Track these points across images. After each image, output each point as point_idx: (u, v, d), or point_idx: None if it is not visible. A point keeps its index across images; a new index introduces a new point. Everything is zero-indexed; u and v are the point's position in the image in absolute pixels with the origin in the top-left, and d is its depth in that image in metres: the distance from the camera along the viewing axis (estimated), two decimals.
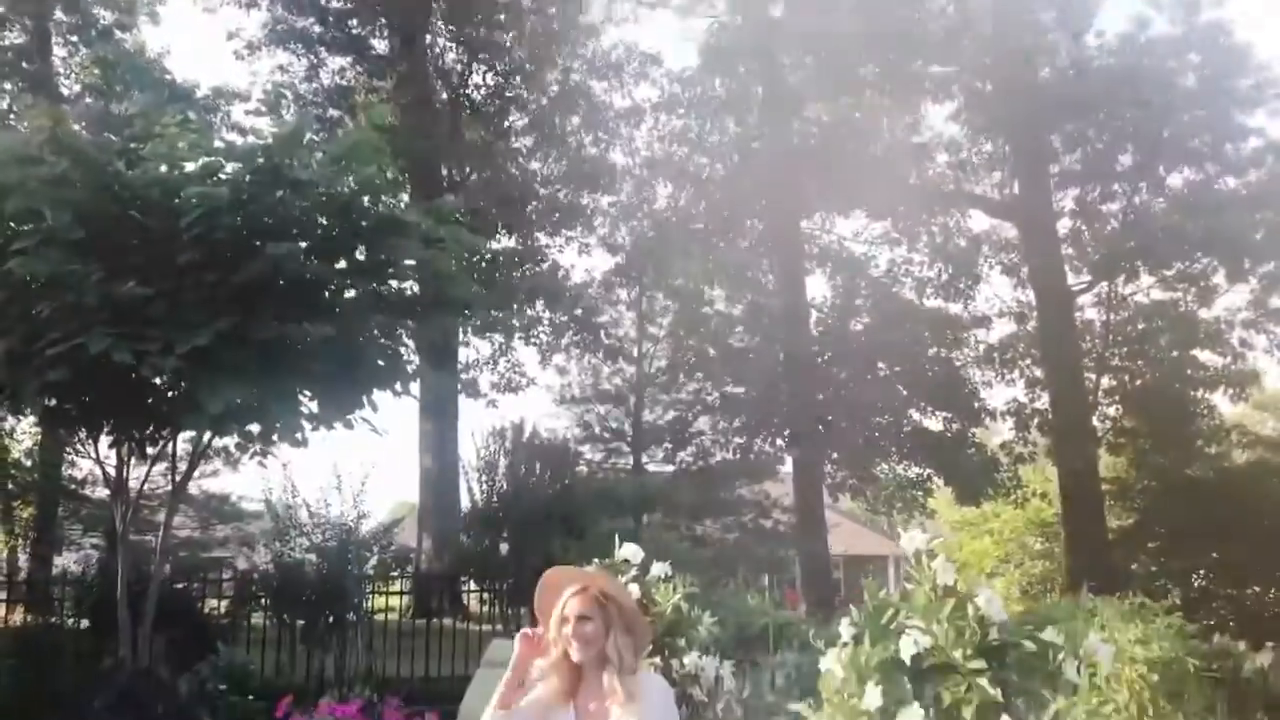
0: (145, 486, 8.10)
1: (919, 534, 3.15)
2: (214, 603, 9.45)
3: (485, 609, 11.82)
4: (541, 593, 3.47)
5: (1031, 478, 20.37)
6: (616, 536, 4.39)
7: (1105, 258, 17.51)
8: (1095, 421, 17.93)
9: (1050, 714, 2.90)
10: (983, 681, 2.89)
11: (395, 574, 10.65)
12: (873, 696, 3.06)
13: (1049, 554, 22.71)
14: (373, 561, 9.83)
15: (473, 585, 11.46)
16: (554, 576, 3.49)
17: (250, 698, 7.21)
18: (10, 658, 8.23)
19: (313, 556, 9.23)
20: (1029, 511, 22.05)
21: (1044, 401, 18.07)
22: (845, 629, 3.26)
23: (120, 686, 5.10)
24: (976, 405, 17.57)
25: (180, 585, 9.05)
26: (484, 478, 11.59)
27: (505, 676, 3.36)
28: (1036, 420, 18.10)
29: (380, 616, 10.62)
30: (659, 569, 4.37)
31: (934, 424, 17.54)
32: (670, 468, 18.53)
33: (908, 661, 3.00)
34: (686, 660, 4.09)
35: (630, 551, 4.25)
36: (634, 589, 4.07)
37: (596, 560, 4.36)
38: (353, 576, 9.10)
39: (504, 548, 10.87)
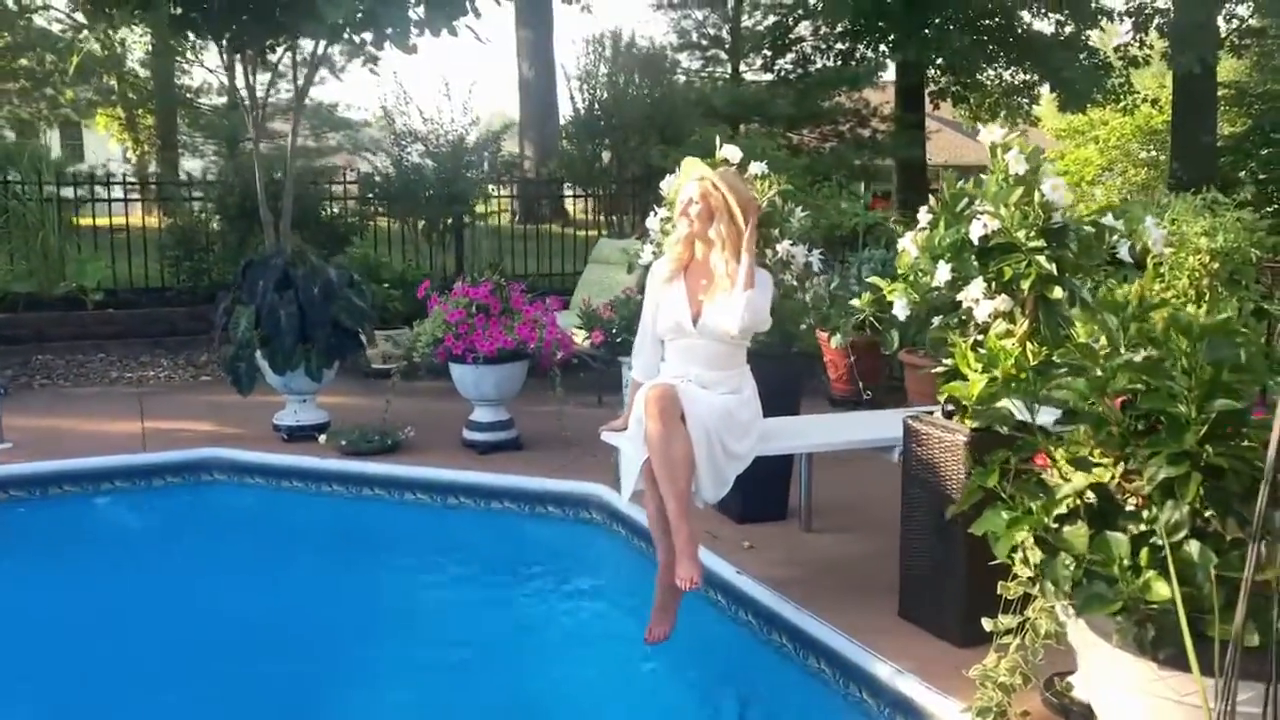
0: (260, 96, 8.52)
1: (996, 128, 3.43)
2: (338, 206, 10.20)
3: (587, 216, 12.47)
4: (677, 179, 3.95)
5: (1144, 83, 19.67)
6: (717, 137, 4.73)
7: None
8: (1220, 21, 16.95)
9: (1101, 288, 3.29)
10: (1041, 258, 3.28)
11: (505, 178, 11.21)
12: (943, 272, 3.49)
13: (1154, 162, 22.38)
14: (484, 166, 10.39)
15: (576, 190, 12.01)
16: (684, 165, 3.94)
17: (385, 285, 8.09)
18: (171, 250, 9.25)
19: (429, 161, 9.80)
20: (1138, 118, 21.50)
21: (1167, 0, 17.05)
22: (923, 215, 3.65)
23: (280, 269, 5.81)
24: (1093, 5, 16.66)
25: (310, 184, 9.74)
26: (583, 86, 11.79)
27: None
28: (1157, 20, 17.16)
29: (487, 222, 11.37)
30: (756, 168, 4.74)
31: (1046, 25, 16.82)
32: (769, 76, 18.29)
33: (975, 242, 3.39)
34: (779, 248, 4.55)
35: (730, 152, 4.59)
36: None
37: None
38: (466, 179, 9.69)
39: (605, 155, 11.27)
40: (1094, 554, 2.02)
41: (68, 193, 9.64)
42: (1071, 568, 2.11)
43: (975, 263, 3.43)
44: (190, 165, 17.97)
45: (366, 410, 6.34)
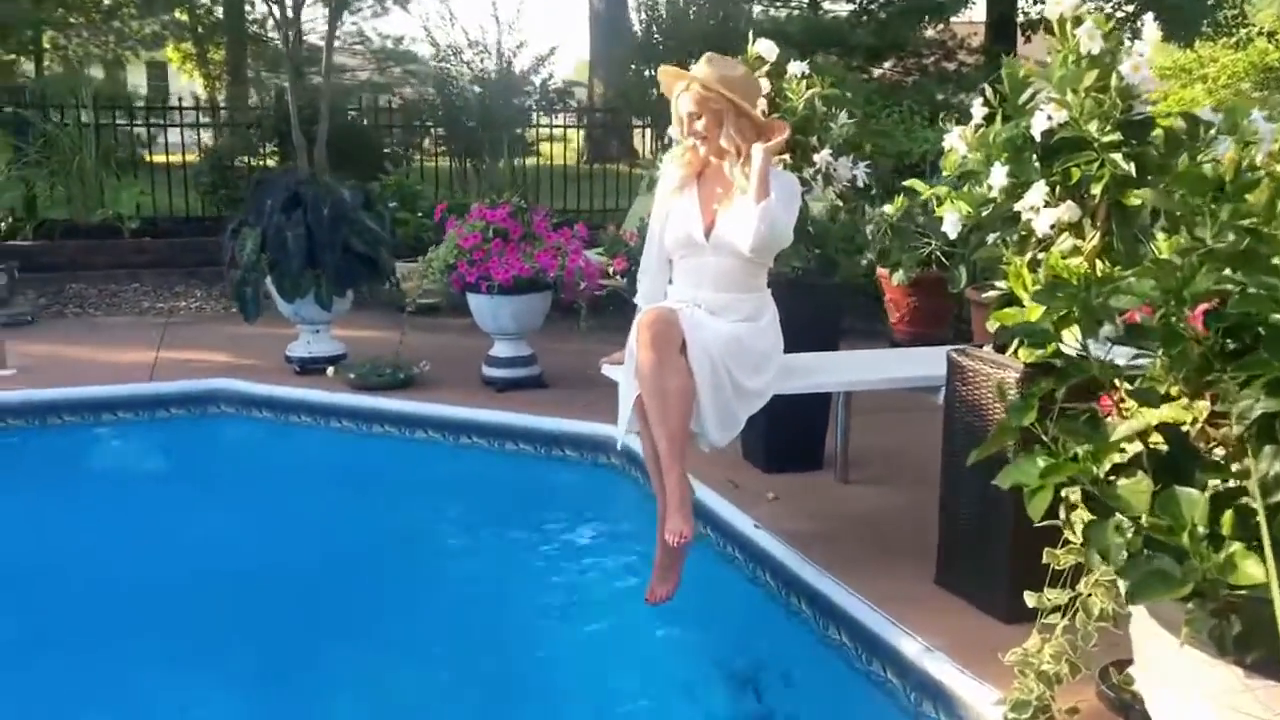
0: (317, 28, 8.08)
1: None
2: (384, 135, 9.78)
3: (655, 155, 11.91)
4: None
5: (1260, 16, 18.27)
6: (750, 32, 4.15)
7: None
8: None
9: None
10: (1117, 156, 2.68)
11: (559, 108, 10.67)
12: (998, 176, 2.90)
13: (1266, 101, 20.91)
14: (535, 94, 9.87)
15: (634, 121, 11.42)
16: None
17: (419, 215, 7.67)
18: (206, 175, 8.97)
19: (474, 87, 9.32)
20: (1251, 54, 20.04)
21: None
22: (976, 108, 3.06)
23: (289, 188, 5.41)
24: None
25: (352, 110, 9.34)
26: (642, 7, 11.16)
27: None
28: None
29: (539, 159, 10.89)
30: (796, 68, 4.15)
31: None
32: (850, 7, 17.33)
33: (1038, 138, 2.80)
34: (817, 159, 3.97)
35: (765, 48, 4.01)
36: (765, 85, 3.90)
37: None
38: (514, 105, 9.18)
39: None
40: (1158, 517, 1.47)
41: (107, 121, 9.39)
42: (1129, 534, 1.57)
43: (1037, 164, 2.84)
44: (260, 99, 17.81)
45: (391, 345, 5.93)
